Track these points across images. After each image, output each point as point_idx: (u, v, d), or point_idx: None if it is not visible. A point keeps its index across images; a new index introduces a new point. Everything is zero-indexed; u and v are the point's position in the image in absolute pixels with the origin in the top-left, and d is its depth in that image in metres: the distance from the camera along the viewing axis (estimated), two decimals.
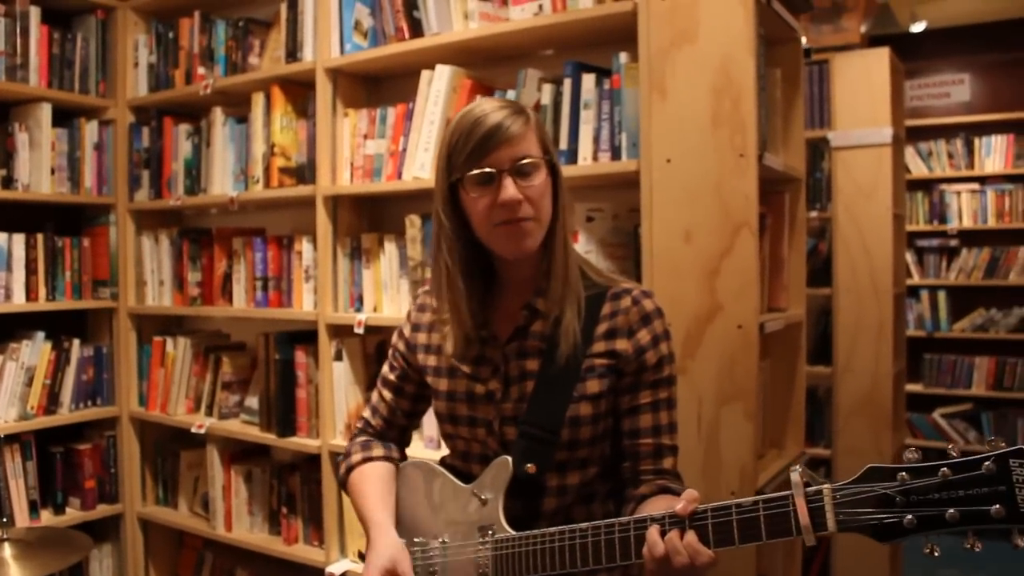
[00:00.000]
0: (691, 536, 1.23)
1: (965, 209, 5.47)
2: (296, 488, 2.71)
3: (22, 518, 2.88)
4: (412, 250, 2.38)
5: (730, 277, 1.97)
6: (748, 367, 1.97)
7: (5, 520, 2.47)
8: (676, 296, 2.00)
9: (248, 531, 2.84)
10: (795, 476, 1.16)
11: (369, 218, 2.69)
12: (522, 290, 1.54)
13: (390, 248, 2.46)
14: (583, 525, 1.34)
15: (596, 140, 2.14)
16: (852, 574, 3.69)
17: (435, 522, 1.56)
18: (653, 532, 1.26)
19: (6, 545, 2.38)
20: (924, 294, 5.52)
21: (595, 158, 2.13)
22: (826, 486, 1.13)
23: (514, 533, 1.43)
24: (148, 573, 3.15)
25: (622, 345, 1.48)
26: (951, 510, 1.06)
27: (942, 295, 5.49)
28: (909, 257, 5.51)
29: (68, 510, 3.03)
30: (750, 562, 2.00)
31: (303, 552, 2.67)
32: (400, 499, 1.64)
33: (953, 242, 5.53)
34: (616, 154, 2.11)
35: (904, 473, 1.08)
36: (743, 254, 1.96)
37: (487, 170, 1.41)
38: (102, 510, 3.08)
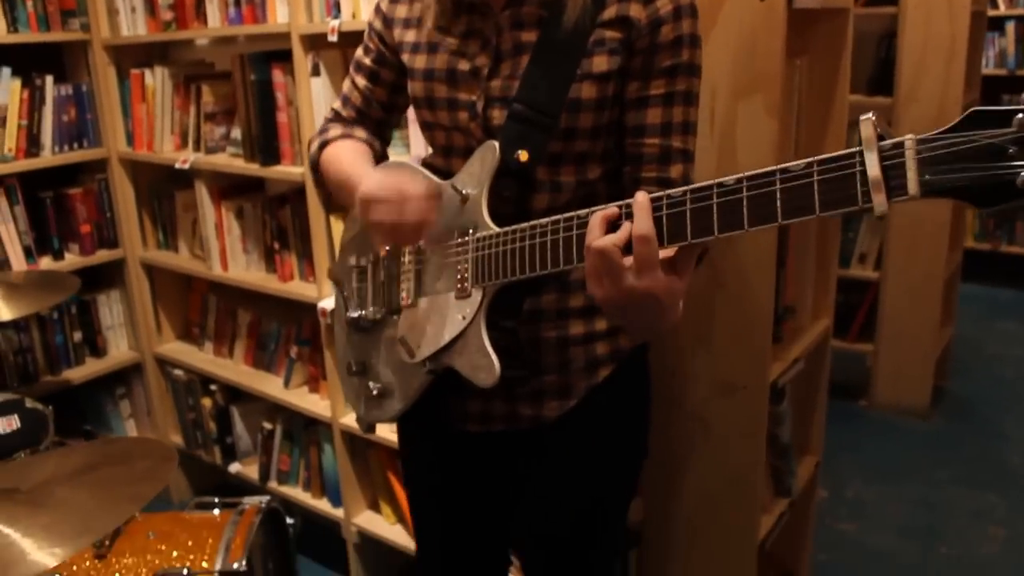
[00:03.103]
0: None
1: None
2: (287, 222, 2.53)
3: (18, 263, 2.79)
4: None
5: None
6: (772, 51, 1.64)
7: None
8: None
9: (244, 270, 2.71)
10: (866, 126, 0.83)
11: None
12: None
13: None
14: (582, 212, 1.07)
15: None
16: (900, 321, 3.48)
17: None
18: (596, 218, 1.01)
19: None
20: (1010, 26, 4.92)
21: None
22: (908, 137, 0.81)
23: (498, 230, 1.19)
24: (158, 317, 3.08)
25: (636, 11, 1.19)
26: None
27: None
28: None
29: (67, 256, 2.93)
30: (768, 289, 1.77)
31: (298, 288, 2.53)
32: None
33: None
34: None
35: (1022, 115, 0.76)
36: None
37: None
38: (102, 255, 2.97)
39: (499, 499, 1.54)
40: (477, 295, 1.23)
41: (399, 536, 2.48)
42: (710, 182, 0.94)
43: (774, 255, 1.78)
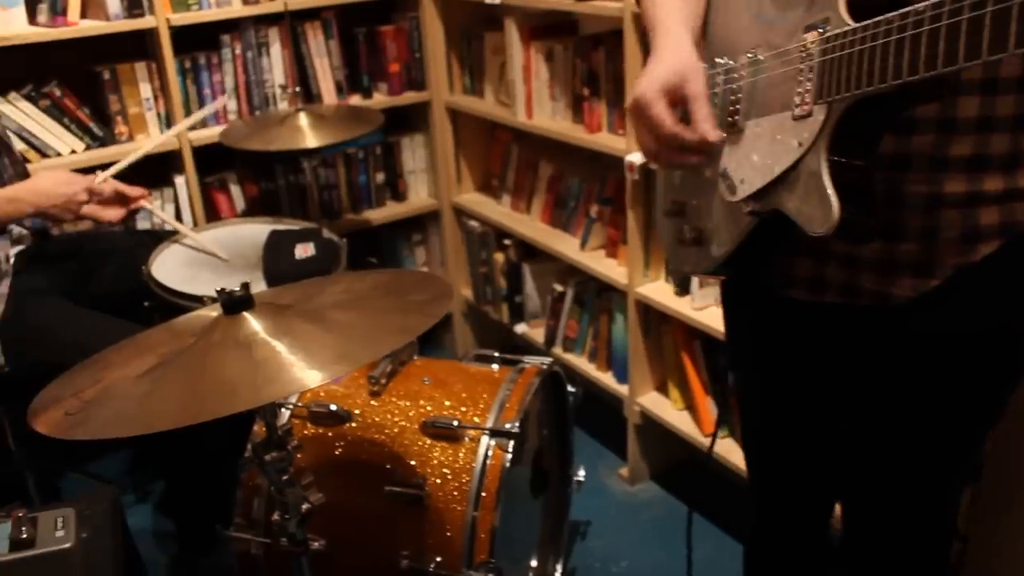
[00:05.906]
0: None
1: None
2: (600, 67, 2.27)
3: (329, 98, 2.80)
4: None
5: None
6: None
7: (298, 90, 2.43)
8: None
9: (550, 118, 2.51)
10: None
11: None
12: None
13: None
14: None
15: None
16: None
17: (748, 34, 1.05)
18: None
19: (301, 115, 2.39)
20: None
21: None
22: None
23: (856, 24, 0.86)
24: (459, 165, 2.98)
25: None
26: None
27: None
28: None
29: (376, 95, 2.90)
30: None
31: (606, 140, 2.29)
32: (711, 11, 1.16)
33: None
34: None
35: None
36: None
37: None
38: (409, 97, 2.90)
39: (827, 387, 1.24)
40: (820, 114, 0.92)
41: (685, 423, 2.25)
42: None
43: None
